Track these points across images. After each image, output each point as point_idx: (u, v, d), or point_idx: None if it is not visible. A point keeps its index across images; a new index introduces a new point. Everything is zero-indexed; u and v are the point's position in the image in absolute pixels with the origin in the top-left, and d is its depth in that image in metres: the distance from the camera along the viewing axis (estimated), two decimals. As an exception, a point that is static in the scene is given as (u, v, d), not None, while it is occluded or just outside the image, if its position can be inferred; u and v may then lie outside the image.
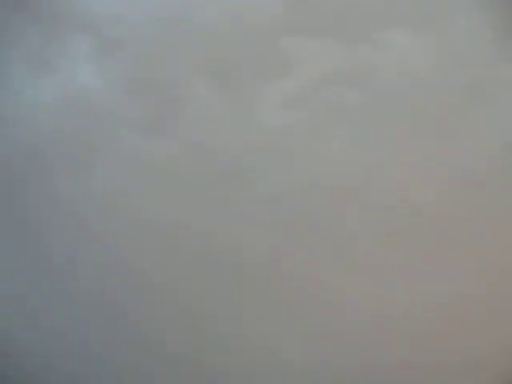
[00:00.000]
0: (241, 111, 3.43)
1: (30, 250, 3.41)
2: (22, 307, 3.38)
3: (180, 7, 3.41)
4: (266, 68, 3.43)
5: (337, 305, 3.35)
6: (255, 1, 3.41)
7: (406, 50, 3.41)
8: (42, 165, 3.43)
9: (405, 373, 3.30)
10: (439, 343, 3.31)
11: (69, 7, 3.43)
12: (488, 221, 3.36)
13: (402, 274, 3.34)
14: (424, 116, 3.40)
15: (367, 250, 3.37)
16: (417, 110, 3.41)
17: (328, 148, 3.41)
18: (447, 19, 3.39)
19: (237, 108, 3.43)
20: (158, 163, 3.43)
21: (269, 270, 3.36)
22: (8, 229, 3.43)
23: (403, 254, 3.35)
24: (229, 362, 3.34)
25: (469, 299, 3.31)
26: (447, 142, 3.40)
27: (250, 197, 3.41)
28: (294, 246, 3.38)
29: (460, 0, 3.42)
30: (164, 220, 3.40)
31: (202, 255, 3.39)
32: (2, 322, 3.38)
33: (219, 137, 3.44)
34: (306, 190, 3.41)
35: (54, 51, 3.44)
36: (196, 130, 3.44)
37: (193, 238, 3.40)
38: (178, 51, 3.42)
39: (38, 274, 3.39)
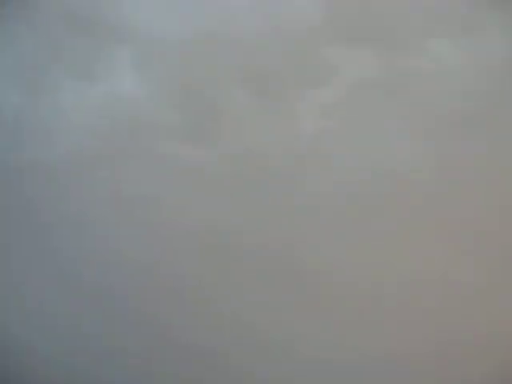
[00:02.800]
0: (279, 119, 3.47)
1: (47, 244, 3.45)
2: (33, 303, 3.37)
3: (220, 19, 3.48)
4: (303, 77, 3.47)
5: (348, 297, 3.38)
6: (294, 12, 3.47)
7: (443, 60, 3.46)
8: (77, 168, 3.46)
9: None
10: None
11: (114, 18, 3.51)
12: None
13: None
14: (462, 125, 3.42)
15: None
16: (455, 119, 3.43)
17: (365, 156, 3.44)
18: (485, 30, 3.47)
19: (275, 116, 3.47)
20: (197, 171, 3.45)
21: (319, 276, 3.38)
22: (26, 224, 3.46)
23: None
24: (235, 347, 3.35)
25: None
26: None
27: (288, 204, 3.43)
28: (333, 254, 3.38)
29: (499, 14, 3.51)
30: (201, 227, 3.42)
31: (240, 264, 3.40)
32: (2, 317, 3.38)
33: (257, 145, 3.47)
34: (342, 198, 3.42)
35: (97, 60, 3.51)
36: (234, 138, 3.47)
37: (233, 246, 3.42)
38: (218, 62, 3.48)
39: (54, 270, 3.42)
